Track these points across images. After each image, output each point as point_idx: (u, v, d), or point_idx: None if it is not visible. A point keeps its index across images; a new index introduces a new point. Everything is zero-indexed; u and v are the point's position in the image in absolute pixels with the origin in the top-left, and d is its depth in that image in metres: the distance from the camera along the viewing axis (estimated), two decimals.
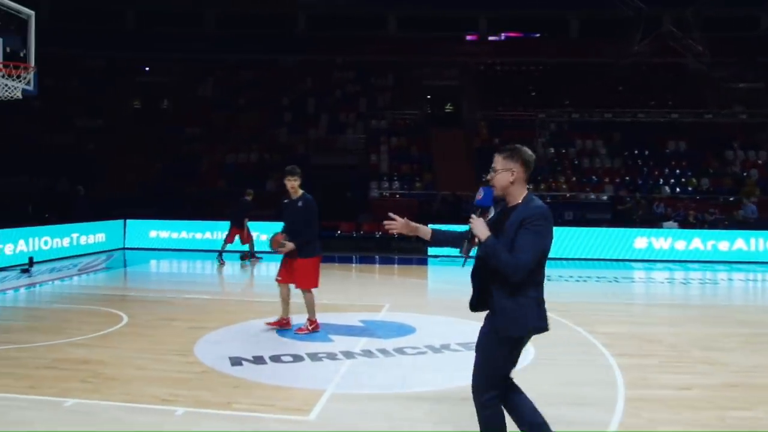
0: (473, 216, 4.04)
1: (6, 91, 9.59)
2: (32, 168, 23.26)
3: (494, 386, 4.15)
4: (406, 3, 29.98)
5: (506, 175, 4.02)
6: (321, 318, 9.31)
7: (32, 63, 10.57)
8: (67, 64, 29.34)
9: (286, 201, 8.77)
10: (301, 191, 8.66)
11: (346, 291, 13.07)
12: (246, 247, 17.51)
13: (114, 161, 25.66)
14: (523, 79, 30.16)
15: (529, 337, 4.12)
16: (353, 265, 18.30)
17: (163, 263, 17.70)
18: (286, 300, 9.03)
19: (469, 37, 30.31)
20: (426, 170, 25.84)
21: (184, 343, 8.19)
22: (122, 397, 6.02)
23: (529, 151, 4.08)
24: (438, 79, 30.16)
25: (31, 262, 14.77)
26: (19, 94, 9.77)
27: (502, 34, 30.32)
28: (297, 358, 7.54)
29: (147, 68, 30.96)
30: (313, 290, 8.85)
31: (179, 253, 19.49)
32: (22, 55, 10.37)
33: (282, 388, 6.46)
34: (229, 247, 17.02)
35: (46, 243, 16.88)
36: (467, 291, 4.26)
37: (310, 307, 8.86)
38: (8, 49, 10.11)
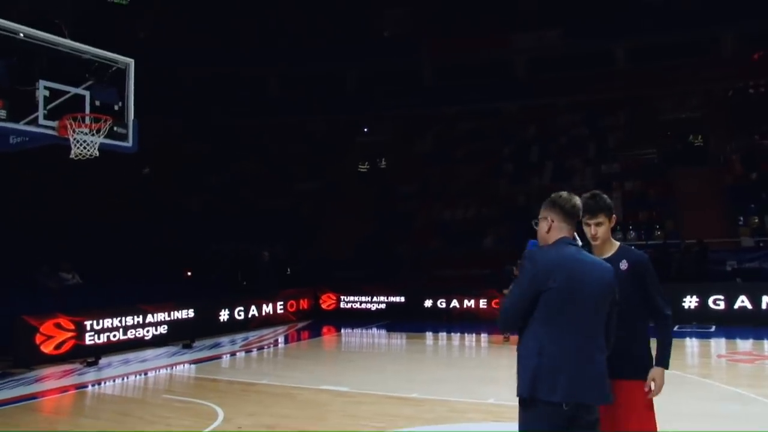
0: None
1: (79, 147, 7.74)
2: (247, 233, 22.44)
3: None
4: (634, 32, 25.66)
5: (543, 224, 3.64)
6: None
7: (131, 116, 8.81)
8: (291, 129, 28.97)
9: None
10: (616, 243, 4.18)
11: None
12: None
13: (329, 223, 24.31)
14: None
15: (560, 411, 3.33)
16: None
17: (343, 337, 15.33)
18: None
19: (711, 60, 25.00)
20: (667, 216, 21.19)
21: None
22: None
23: (572, 198, 3.63)
24: (677, 111, 25.22)
25: (191, 338, 13.09)
26: (95, 152, 7.89)
27: (753, 52, 24.56)
28: None
29: (366, 129, 29.69)
30: None
31: (375, 323, 17.01)
32: (116, 108, 8.59)
33: None
34: None
35: (239, 312, 15.40)
36: None
37: None
38: (98, 103, 8.36)
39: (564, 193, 3.65)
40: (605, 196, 4.11)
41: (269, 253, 18.06)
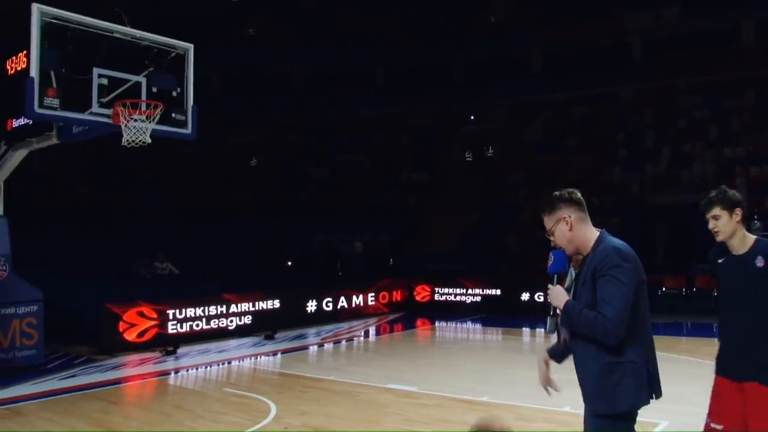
0: (550, 286, 3.31)
1: (130, 134, 7.45)
2: (352, 225, 22.07)
3: None
4: (763, 6, 23.14)
5: (561, 227, 3.33)
6: None
7: (190, 102, 8.45)
8: (397, 121, 28.37)
9: (722, 260, 3.94)
10: (752, 238, 3.85)
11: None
12: None
13: (434, 214, 23.56)
14: None
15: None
16: (682, 338, 12.97)
17: (433, 331, 14.60)
18: None
19: None
20: None
21: None
22: None
23: (568, 190, 3.41)
24: None
25: (274, 330, 12.74)
26: (147, 138, 7.57)
27: None
28: None
29: (472, 117, 28.56)
30: None
31: (470, 317, 16.15)
32: (174, 94, 8.26)
33: None
34: None
35: (327, 303, 15.02)
36: None
37: None
38: (154, 89, 8.05)
39: (559, 191, 3.43)
40: (728, 190, 3.90)
41: (362, 244, 17.50)
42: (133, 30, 8.07)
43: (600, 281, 3.10)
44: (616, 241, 3.23)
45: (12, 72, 8.92)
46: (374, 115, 28.37)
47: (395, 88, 29.34)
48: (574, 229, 3.31)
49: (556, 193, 3.41)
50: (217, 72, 27.61)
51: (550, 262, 3.38)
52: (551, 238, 3.39)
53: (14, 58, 8.93)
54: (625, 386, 3.08)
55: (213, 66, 26.54)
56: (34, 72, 7.28)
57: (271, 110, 27.97)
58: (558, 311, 3.25)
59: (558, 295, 3.26)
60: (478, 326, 14.92)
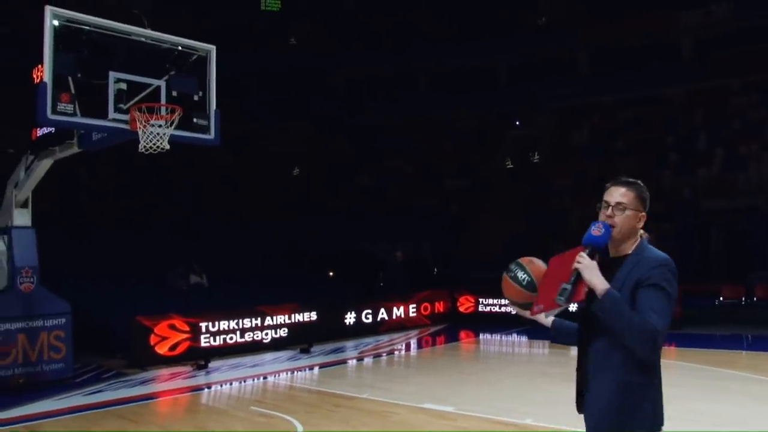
0: (583, 255, 2.81)
1: (148, 140, 6.99)
2: (395, 232, 21.41)
3: None
4: None
5: (634, 217, 2.89)
6: None
7: (213, 107, 7.95)
8: (440, 126, 27.67)
9: None
10: None
11: (720, 411, 7.31)
12: None
13: (478, 221, 22.77)
14: None
15: None
16: (742, 352, 11.89)
17: (476, 344, 13.85)
18: None
19: None
20: None
21: None
22: None
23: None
24: None
25: (310, 343, 12.16)
26: (166, 144, 7.10)
27: None
28: None
29: (518, 122, 27.67)
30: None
31: (515, 329, 15.32)
32: (196, 98, 7.79)
33: None
34: None
35: (366, 315, 14.40)
36: None
37: None
38: (175, 93, 7.60)
39: (648, 194, 2.99)
40: None
41: (402, 253, 16.82)
42: (151, 32, 7.63)
43: (648, 290, 2.72)
44: (664, 254, 2.86)
45: (38, 80, 8.60)
46: (416, 120, 27.73)
47: (438, 92, 28.68)
48: (635, 229, 2.91)
49: (646, 192, 2.94)
50: (256, 79, 27.37)
51: (598, 232, 2.84)
52: (613, 211, 2.88)
53: (40, 66, 8.61)
54: (642, 412, 2.72)
55: (252, 73, 26.37)
56: (47, 77, 6.89)
57: (312, 116, 27.57)
58: (586, 290, 2.79)
59: (596, 274, 2.74)
60: (524, 339, 14.10)
